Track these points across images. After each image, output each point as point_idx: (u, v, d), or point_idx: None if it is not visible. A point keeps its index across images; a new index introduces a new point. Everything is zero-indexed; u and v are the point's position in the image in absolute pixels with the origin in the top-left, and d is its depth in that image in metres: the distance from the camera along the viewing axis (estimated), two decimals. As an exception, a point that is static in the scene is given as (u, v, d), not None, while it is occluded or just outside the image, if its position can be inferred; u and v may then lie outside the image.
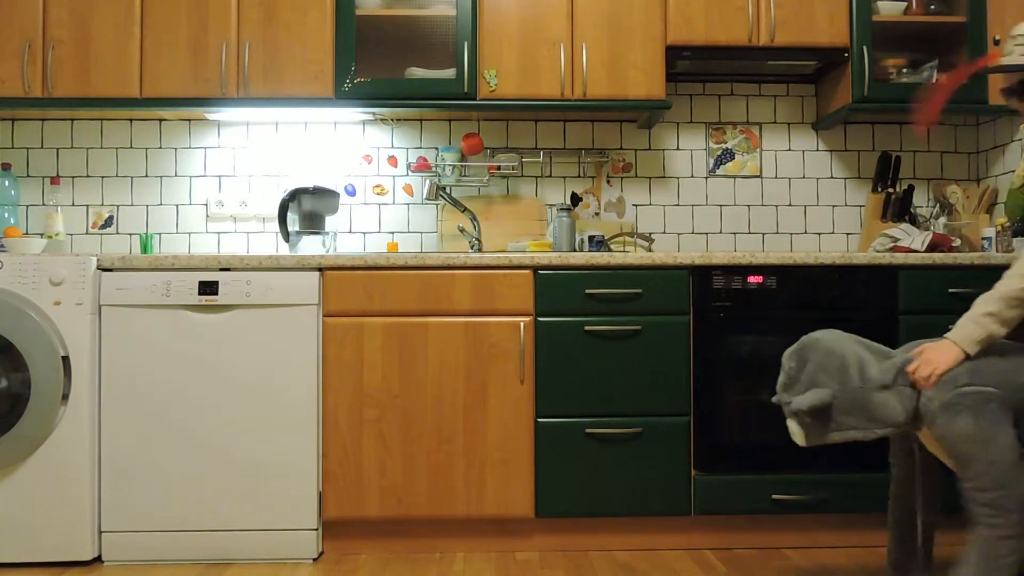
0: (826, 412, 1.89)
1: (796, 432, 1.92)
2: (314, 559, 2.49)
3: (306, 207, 2.94)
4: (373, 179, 3.22)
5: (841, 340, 1.95)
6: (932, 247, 2.78)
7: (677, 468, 2.54)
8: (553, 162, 3.24)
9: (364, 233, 3.21)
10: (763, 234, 3.26)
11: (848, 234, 3.27)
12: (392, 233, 3.21)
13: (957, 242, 2.95)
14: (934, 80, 3.02)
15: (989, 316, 1.82)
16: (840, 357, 1.91)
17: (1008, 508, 1.76)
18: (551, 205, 3.23)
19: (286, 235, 2.91)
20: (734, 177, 3.27)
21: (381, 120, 3.20)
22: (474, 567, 2.42)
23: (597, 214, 3.24)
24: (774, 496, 2.54)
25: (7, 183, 3.03)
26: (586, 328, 2.53)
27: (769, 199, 3.27)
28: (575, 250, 3.00)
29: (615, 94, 2.89)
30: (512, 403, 2.53)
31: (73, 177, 3.18)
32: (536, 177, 3.25)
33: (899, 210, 3.10)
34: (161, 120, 3.18)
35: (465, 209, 3.09)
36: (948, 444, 1.82)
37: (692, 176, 3.26)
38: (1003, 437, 1.78)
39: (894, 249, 2.84)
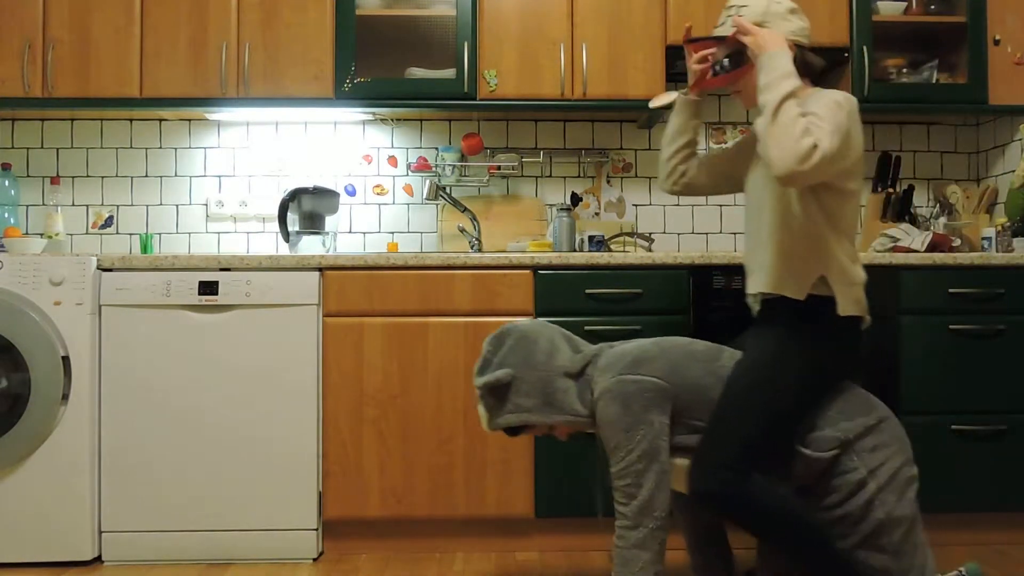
0: (506, 393, 1.87)
1: (482, 415, 1.92)
2: (314, 559, 2.49)
3: (306, 207, 2.94)
4: (373, 179, 3.22)
5: (541, 328, 1.95)
6: (932, 247, 2.78)
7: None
8: (553, 162, 3.24)
9: (364, 233, 3.21)
10: (763, 234, 3.26)
11: (848, 234, 3.27)
12: (392, 233, 3.21)
13: (957, 242, 2.95)
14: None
15: (793, 86, 1.73)
16: (533, 342, 1.90)
17: (634, 497, 1.75)
18: (551, 205, 3.23)
19: (286, 235, 2.91)
20: (734, 177, 3.27)
21: (381, 120, 3.20)
22: (474, 567, 2.42)
23: (597, 214, 3.24)
24: (774, 496, 2.54)
25: (7, 183, 3.03)
26: (586, 328, 2.53)
27: (769, 199, 3.26)
28: (575, 250, 3.00)
29: (615, 94, 2.89)
30: (512, 403, 2.53)
31: (73, 177, 3.18)
32: (536, 177, 3.25)
33: (899, 210, 3.10)
34: (161, 120, 3.18)
35: (465, 209, 3.09)
36: (600, 429, 1.82)
37: (692, 176, 3.26)
38: (648, 428, 1.76)
39: (894, 249, 2.84)
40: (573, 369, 1.90)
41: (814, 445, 1.77)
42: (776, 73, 1.74)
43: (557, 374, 1.88)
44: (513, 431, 1.94)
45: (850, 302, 1.83)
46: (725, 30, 1.92)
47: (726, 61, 1.92)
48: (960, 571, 1.93)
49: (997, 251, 2.88)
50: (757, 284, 1.96)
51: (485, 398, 1.90)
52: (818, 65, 1.96)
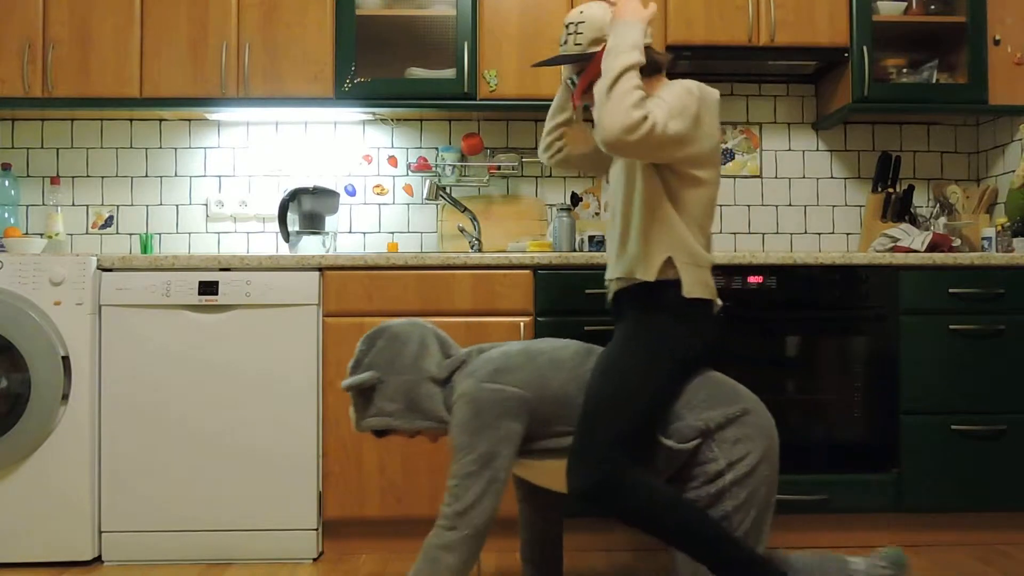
0: (371, 395, 1.86)
1: (351, 415, 1.90)
2: (314, 559, 2.49)
3: (306, 207, 2.94)
4: (373, 179, 3.22)
5: (413, 329, 1.91)
6: (932, 247, 2.78)
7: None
8: (553, 162, 3.24)
9: (364, 233, 3.21)
10: (763, 234, 3.26)
11: (848, 234, 3.27)
12: (392, 233, 3.21)
13: (957, 242, 2.95)
14: None
15: (635, 60, 1.73)
16: (403, 344, 1.87)
17: (458, 499, 1.73)
18: (551, 205, 3.23)
19: (286, 235, 2.91)
20: (734, 177, 3.27)
21: (381, 120, 3.20)
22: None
23: (597, 214, 3.24)
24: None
25: (7, 183, 3.03)
26: (586, 328, 2.53)
27: (769, 199, 3.27)
28: (575, 250, 3.00)
29: (615, 94, 2.89)
30: (512, 403, 2.52)
31: (73, 177, 3.18)
32: (536, 177, 3.25)
33: (899, 210, 3.10)
34: (161, 120, 3.18)
35: (465, 209, 3.09)
36: (451, 431, 1.80)
37: (692, 176, 3.26)
38: (494, 434, 1.74)
39: (894, 249, 2.84)
40: (440, 375, 1.87)
41: (676, 436, 1.76)
42: (626, 42, 1.74)
43: (423, 379, 1.86)
44: (380, 433, 1.91)
45: (696, 284, 1.83)
46: (567, 48, 1.94)
47: (575, 77, 1.97)
48: (879, 556, 1.91)
49: (997, 251, 2.88)
50: (612, 270, 1.96)
51: (355, 398, 1.88)
52: (664, 61, 1.94)
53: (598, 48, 1.88)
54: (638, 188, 1.86)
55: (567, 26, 1.93)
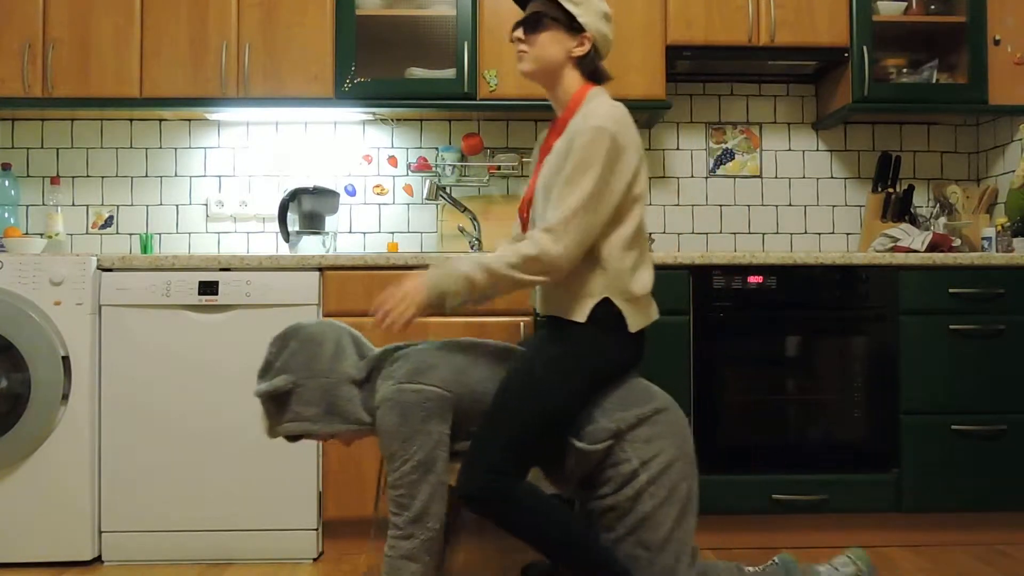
0: (287, 400, 1.80)
1: (263, 420, 1.84)
2: (314, 559, 2.49)
3: (306, 207, 2.94)
4: (373, 179, 3.22)
5: (328, 330, 1.85)
6: (932, 247, 2.78)
7: (677, 468, 2.54)
8: (553, 162, 3.24)
9: (364, 233, 3.21)
10: (763, 234, 3.26)
11: (848, 234, 3.27)
12: (392, 233, 3.21)
13: (957, 242, 2.95)
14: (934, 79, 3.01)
15: (471, 278, 1.72)
16: (318, 345, 1.82)
17: (407, 508, 1.71)
18: (551, 205, 3.23)
19: (286, 235, 2.91)
20: (734, 177, 3.27)
21: (381, 120, 3.20)
22: (474, 567, 2.42)
23: (597, 214, 3.24)
24: (774, 496, 2.54)
25: (7, 183, 3.03)
26: (586, 328, 2.53)
27: (769, 199, 3.27)
28: (575, 250, 3.00)
29: (615, 94, 2.84)
30: (512, 403, 2.52)
31: (73, 177, 3.18)
32: (536, 177, 3.24)
33: (899, 210, 3.10)
34: (161, 120, 3.18)
35: (465, 209, 3.09)
36: (379, 439, 1.77)
37: (692, 176, 3.26)
38: (426, 438, 1.72)
39: (894, 249, 2.84)
40: (359, 376, 1.83)
41: (588, 438, 1.73)
42: (459, 277, 1.73)
43: (342, 381, 1.81)
44: (293, 438, 1.85)
45: (638, 317, 1.82)
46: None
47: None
48: (774, 561, 1.92)
49: (997, 251, 2.88)
50: (540, 306, 1.93)
51: (266, 404, 1.82)
52: (605, 78, 1.94)
53: (568, 5, 1.82)
54: None
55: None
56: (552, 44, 1.85)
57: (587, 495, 1.79)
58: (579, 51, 1.86)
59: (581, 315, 1.78)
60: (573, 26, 1.85)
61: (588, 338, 1.79)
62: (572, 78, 1.89)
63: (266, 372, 1.83)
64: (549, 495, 1.73)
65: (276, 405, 1.81)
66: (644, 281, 1.84)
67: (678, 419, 1.80)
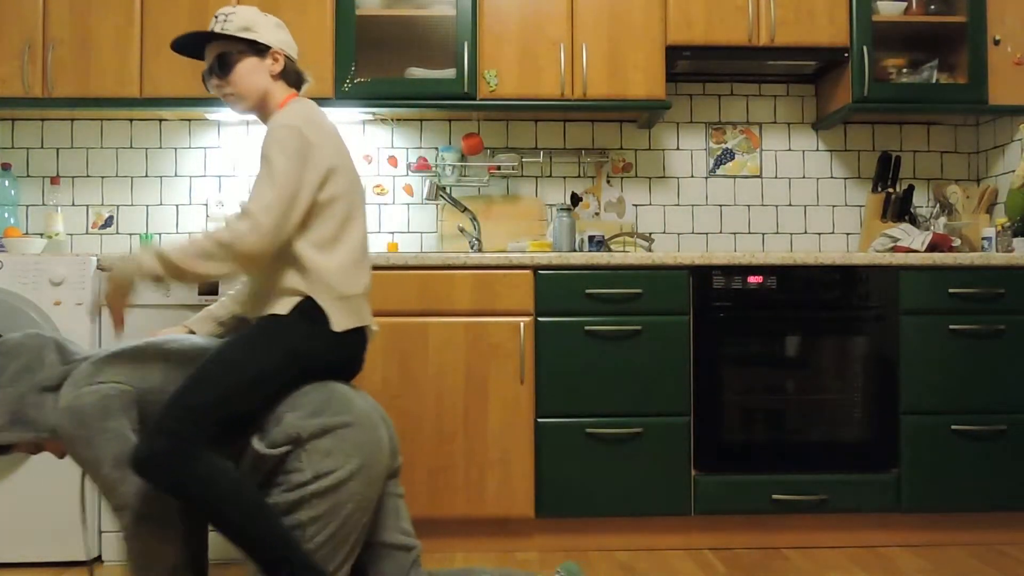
0: None
1: None
2: (314, 559, 2.49)
3: (306, 207, 2.93)
4: (373, 179, 3.22)
5: (29, 341, 1.82)
6: (932, 247, 2.78)
7: (677, 468, 2.54)
8: (553, 162, 3.24)
9: (364, 233, 3.21)
10: (763, 234, 3.26)
11: (848, 234, 3.27)
12: (392, 233, 3.21)
13: (957, 242, 2.95)
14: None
15: (170, 260, 1.67)
16: (14, 358, 1.79)
17: (125, 508, 1.67)
18: (551, 205, 3.23)
19: (286, 235, 2.91)
20: (734, 177, 3.27)
21: (381, 120, 3.20)
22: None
23: (597, 214, 3.24)
24: (774, 496, 2.54)
25: (7, 183, 3.03)
26: (586, 328, 2.53)
27: (769, 199, 3.27)
28: (575, 250, 3.00)
29: (615, 94, 2.89)
30: (512, 403, 2.53)
31: (73, 177, 3.18)
32: (536, 177, 3.25)
33: (899, 210, 3.10)
34: (161, 120, 3.18)
35: (465, 209, 3.09)
36: (67, 449, 1.71)
37: (692, 176, 3.26)
38: (110, 435, 1.67)
39: (894, 249, 2.84)
40: (52, 382, 1.78)
41: (268, 440, 1.68)
42: (144, 265, 1.69)
43: (32, 390, 1.77)
44: (2, 449, 1.80)
45: (344, 316, 1.79)
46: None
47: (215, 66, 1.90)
48: (558, 571, 1.91)
49: (997, 251, 2.88)
50: (245, 309, 1.91)
51: None
52: (304, 80, 2.00)
53: (245, 34, 1.85)
54: None
55: (216, 16, 1.90)
56: (251, 75, 1.89)
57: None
58: (276, 68, 1.91)
59: (283, 309, 1.77)
60: (259, 49, 1.88)
61: (287, 322, 1.76)
62: (279, 93, 1.93)
63: None
64: (232, 469, 1.67)
65: None
66: (353, 282, 1.82)
67: (369, 439, 1.72)
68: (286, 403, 1.72)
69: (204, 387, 1.68)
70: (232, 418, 1.69)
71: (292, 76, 1.95)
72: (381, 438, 1.75)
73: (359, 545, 1.75)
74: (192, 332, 2.01)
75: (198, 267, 1.68)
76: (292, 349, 1.74)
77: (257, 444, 1.69)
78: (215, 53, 1.88)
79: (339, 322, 1.79)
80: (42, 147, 3.18)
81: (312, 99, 2.86)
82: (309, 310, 1.77)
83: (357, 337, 1.86)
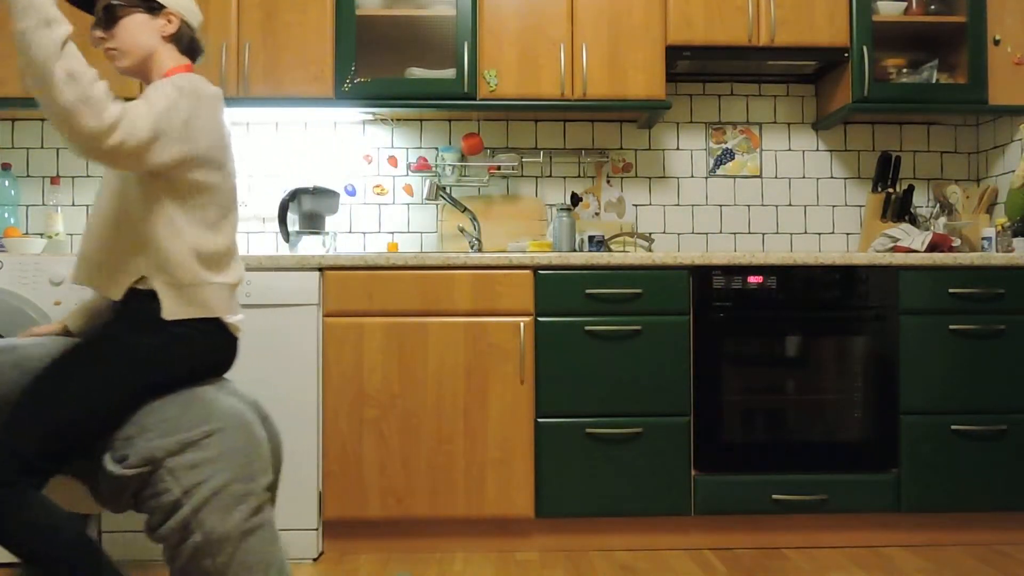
0: None
1: None
2: (314, 559, 2.49)
3: (306, 207, 2.94)
4: (373, 179, 3.22)
5: None
6: (932, 247, 2.78)
7: (677, 468, 2.54)
8: (553, 162, 3.24)
9: (364, 233, 3.21)
10: (763, 234, 3.26)
11: (848, 234, 3.27)
12: (392, 233, 3.21)
13: (957, 242, 2.95)
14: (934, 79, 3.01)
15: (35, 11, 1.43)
16: None
17: None
18: (551, 205, 3.23)
19: (286, 235, 2.91)
20: (734, 177, 3.27)
21: (381, 120, 3.20)
22: (474, 567, 2.42)
23: (597, 214, 3.24)
24: (774, 496, 2.54)
25: (7, 183, 3.03)
26: (586, 328, 2.53)
27: (769, 199, 3.27)
28: (575, 250, 3.00)
29: (615, 94, 2.89)
30: (512, 403, 2.53)
31: (73, 177, 3.18)
32: (536, 177, 3.25)
33: (899, 210, 3.10)
34: (161, 120, 3.18)
35: (465, 209, 3.09)
36: None
37: (692, 176, 3.26)
38: None
39: (894, 249, 2.84)
40: None
41: (120, 458, 1.54)
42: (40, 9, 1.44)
43: None
44: None
45: (180, 306, 1.64)
46: None
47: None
48: None
49: (997, 251, 2.88)
50: (77, 273, 1.71)
51: None
52: (199, 51, 1.85)
53: None
54: (111, 191, 1.67)
55: None
56: (137, 30, 1.74)
57: (147, 528, 1.58)
58: (169, 29, 1.76)
59: (117, 293, 1.65)
60: (152, 7, 1.75)
61: (139, 330, 1.62)
62: (168, 58, 1.77)
63: None
64: (56, 506, 1.50)
65: None
66: (210, 270, 1.68)
67: (237, 439, 1.60)
68: (134, 422, 1.57)
69: (44, 413, 1.51)
70: (75, 439, 1.53)
71: (186, 42, 1.79)
72: (255, 434, 1.63)
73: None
74: (67, 328, 1.84)
75: (39, 54, 1.42)
76: (147, 369, 1.59)
77: (110, 465, 1.54)
78: (103, 4, 1.76)
79: (172, 309, 1.63)
80: (42, 147, 3.18)
81: (312, 99, 2.89)
82: (145, 296, 1.63)
83: (214, 333, 1.70)
